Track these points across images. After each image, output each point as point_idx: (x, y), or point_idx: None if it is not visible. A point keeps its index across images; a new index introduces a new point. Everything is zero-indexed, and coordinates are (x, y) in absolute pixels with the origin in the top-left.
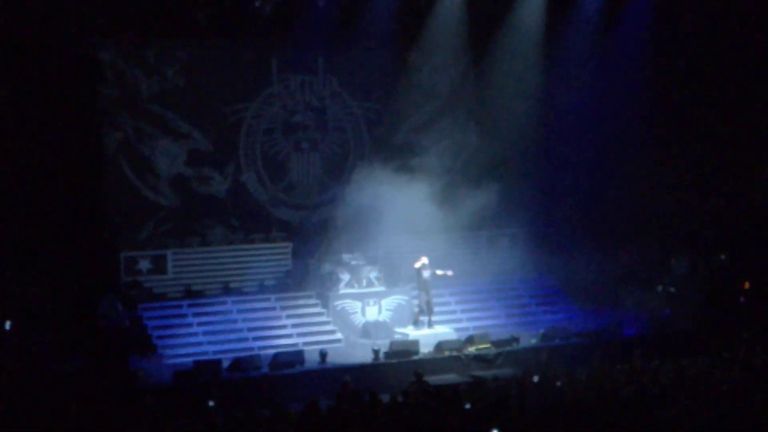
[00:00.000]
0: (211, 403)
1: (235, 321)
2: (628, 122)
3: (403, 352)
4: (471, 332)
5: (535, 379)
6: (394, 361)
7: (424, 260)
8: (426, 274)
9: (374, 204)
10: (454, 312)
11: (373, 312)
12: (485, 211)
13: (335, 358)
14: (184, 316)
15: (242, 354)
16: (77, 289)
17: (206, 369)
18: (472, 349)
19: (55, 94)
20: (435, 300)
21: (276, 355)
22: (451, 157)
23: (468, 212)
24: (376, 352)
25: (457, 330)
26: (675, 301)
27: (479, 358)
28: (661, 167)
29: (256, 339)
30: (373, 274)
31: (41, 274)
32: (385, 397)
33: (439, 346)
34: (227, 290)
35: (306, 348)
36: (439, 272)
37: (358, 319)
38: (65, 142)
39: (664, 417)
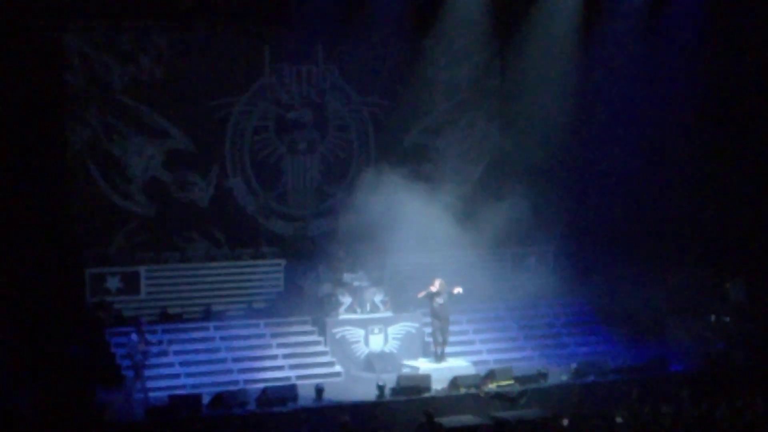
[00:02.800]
0: None
1: (217, 350)
2: (679, 123)
3: (413, 388)
4: (491, 366)
5: (566, 422)
6: (401, 398)
7: (437, 285)
8: (441, 299)
9: (381, 216)
10: (471, 342)
11: (378, 341)
12: (510, 226)
13: (333, 394)
14: (158, 343)
15: (226, 388)
16: (36, 311)
17: (184, 405)
18: (492, 386)
19: (12, 84)
20: (450, 328)
21: (265, 389)
22: (471, 163)
23: (490, 227)
24: (380, 388)
25: (476, 363)
26: (730, 333)
27: (501, 397)
28: (717, 177)
29: (241, 371)
30: (378, 298)
31: None
32: None
33: (454, 381)
34: (209, 314)
35: (300, 382)
36: (453, 291)
37: (361, 350)
38: (23, 139)
39: None
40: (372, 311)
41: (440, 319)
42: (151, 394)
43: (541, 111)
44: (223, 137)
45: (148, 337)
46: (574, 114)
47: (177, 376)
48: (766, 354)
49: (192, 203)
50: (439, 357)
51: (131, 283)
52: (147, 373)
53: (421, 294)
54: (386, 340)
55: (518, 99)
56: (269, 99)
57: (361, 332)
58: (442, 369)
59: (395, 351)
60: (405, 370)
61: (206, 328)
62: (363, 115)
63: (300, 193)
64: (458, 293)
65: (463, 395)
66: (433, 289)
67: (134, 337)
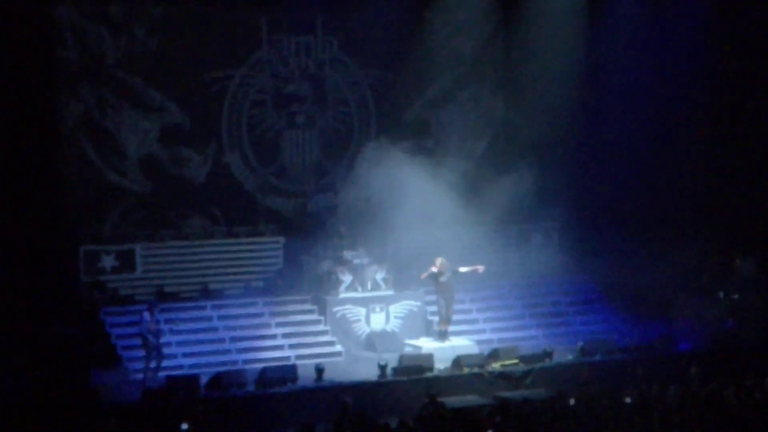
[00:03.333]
0: (184, 426)
1: (215, 329)
2: (688, 97)
3: (415, 368)
4: (495, 345)
5: (572, 401)
6: (403, 378)
7: (438, 263)
8: (444, 277)
9: (382, 192)
10: (475, 321)
11: (380, 320)
12: (515, 202)
13: (334, 374)
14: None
15: (224, 368)
16: (28, 291)
17: (181, 386)
18: (496, 366)
19: (2, 58)
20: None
21: (264, 370)
22: (475, 137)
23: (494, 203)
24: (382, 368)
25: (479, 342)
26: (739, 311)
27: (505, 377)
28: (726, 152)
29: (240, 351)
30: (379, 276)
31: None
32: (393, 422)
33: (458, 361)
34: (206, 293)
35: (299, 362)
36: (463, 269)
37: (362, 329)
38: (15, 115)
39: None
40: (373, 289)
41: (445, 297)
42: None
43: (546, 84)
44: (220, 111)
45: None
46: (579, 87)
47: (174, 356)
48: None
49: (188, 180)
50: (442, 336)
51: (126, 262)
52: (143, 353)
53: (424, 275)
54: (388, 318)
55: (522, 71)
56: (267, 72)
57: (362, 311)
58: (445, 348)
59: (397, 330)
60: (407, 350)
61: (203, 308)
62: (363, 88)
63: (299, 168)
64: (466, 272)
65: (467, 375)
66: (435, 269)
67: (146, 316)
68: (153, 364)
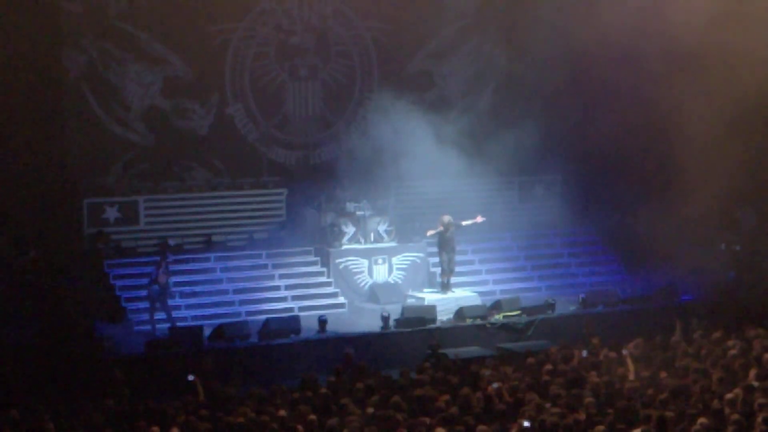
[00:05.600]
0: (190, 377)
1: (219, 281)
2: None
3: (417, 319)
4: (498, 297)
5: (585, 353)
6: (406, 329)
7: (445, 221)
8: (448, 232)
9: (384, 144)
10: (478, 272)
11: (382, 272)
12: (517, 154)
13: (337, 325)
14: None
15: (227, 320)
16: (33, 242)
17: (185, 337)
18: (499, 317)
19: (6, 10)
20: (456, 258)
21: (267, 321)
22: (477, 89)
23: (496, 155)
24: (385, 320)
25: (482, 294)
26: (741, 262)
27: (507, 328)
28: (727, 102)
29: (243, 302)
30: (382, 227)
31: None
32: (395, 373)
33: (460, 312)
34: (210, 245)
35: (302, 314)
36: (466, 222)
37: (365, 280)
38: (18, 67)
39: (729, 399)
40: (376, 241)
41: (446, 250)
42: (151, 327)
43: (549, 34)
44: (223, 64)
45: (149, 269)
46: (583, 37)
47: (178, 308)
48: None
49: (191, 132)
50: (445, 287)
51: (130, 214)
52: (147, 305)
53: (430, 232)
54: (390, 270)
55: (525, 22)
56: (270, 24)
57: (365, 262)
58: (448, 300)
59: (400, 281)
60: (410, 301)
61: (207, 259)
62: (365, 40)
63: (301, 120)
64: (469, 224)
65: (469, 326)
66: (441, 228)
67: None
68: (158, 316)
